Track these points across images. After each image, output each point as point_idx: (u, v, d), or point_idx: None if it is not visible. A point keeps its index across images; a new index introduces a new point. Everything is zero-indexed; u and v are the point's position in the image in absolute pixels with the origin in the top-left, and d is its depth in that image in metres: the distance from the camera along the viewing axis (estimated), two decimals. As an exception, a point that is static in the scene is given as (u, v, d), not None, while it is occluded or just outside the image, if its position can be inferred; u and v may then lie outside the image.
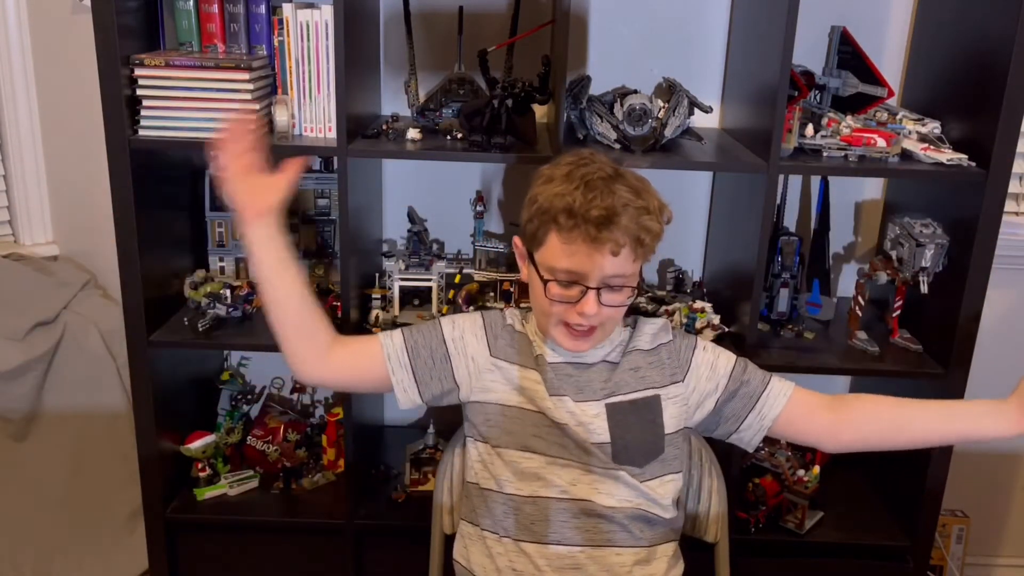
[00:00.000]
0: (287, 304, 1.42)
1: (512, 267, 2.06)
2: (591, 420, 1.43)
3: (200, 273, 2.02)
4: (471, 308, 2.00)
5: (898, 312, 1.97)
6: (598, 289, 1.35)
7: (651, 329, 1.53)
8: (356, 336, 1.50)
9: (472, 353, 1.49)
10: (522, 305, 2.01)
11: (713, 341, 1.90)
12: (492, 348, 1.49)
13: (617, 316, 1.43)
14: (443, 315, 1.56)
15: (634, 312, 1.70)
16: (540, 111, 2.00)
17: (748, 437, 1.51)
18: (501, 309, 1.56)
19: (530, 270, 1.43)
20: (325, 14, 1.80)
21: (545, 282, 1.38)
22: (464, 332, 1.50)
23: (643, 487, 1.43)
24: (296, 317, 1.43)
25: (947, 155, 1.78)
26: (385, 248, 2.22)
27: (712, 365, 1.51)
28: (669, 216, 1.41)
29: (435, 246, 2.18)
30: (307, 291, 1.43)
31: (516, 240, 1.47)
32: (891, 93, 1.92)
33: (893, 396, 1.49)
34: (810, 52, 1.96)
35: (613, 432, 1.43)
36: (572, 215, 1.32)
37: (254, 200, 1.37)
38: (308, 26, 1.82)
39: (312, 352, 1.46)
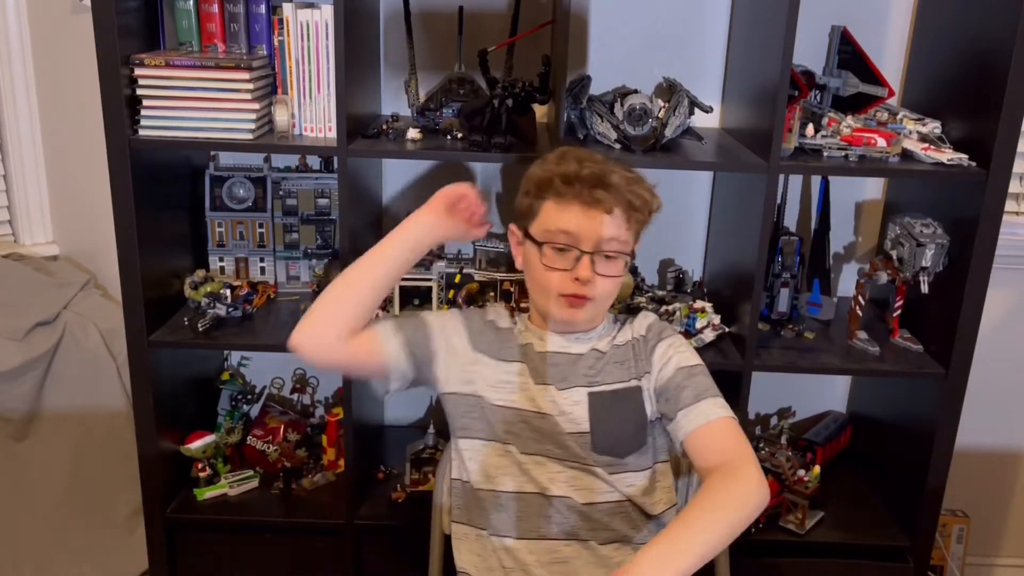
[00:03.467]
0: (370, 289, 1.46)
1: (512, 267, 2.06)
2: (572, 408, 1.44)
3: (200, 273, 2.02)
4: (471, 308, 2.00)
5: (898, 312, 1.97)
6: (592, 256, 1.39)
7: (637, 323, 1.54)
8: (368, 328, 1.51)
9: (454, 343, 1.51)
10: (523, 306, 2.01)
11: (713, 341, 1.91)
12: (473, 342, 1.52)
13: (612, 289, 1.45)
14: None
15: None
16: (540, 111, 2.00)
17: (670, 433, 1.43)
18: (481, 305, 1.59)
19: (526, 248, 1.46)
20: (325, 14, 1.80)
21: (540, 247, 1.41)
22: (445, 323, 1.54)
23: (622, 482, 1.43)
24: (366, 304, 1.46)
25: (947, 155, 1.78)
26: (385, 248, 2.22)
27: (667, 358, 1.45)
28: (659, 204, 1.46)
29: (435, 246, 2.17)
30: (386, 293, 1.50)
31: (511, 227, 1.51)
32: (891, 93, 1.92)
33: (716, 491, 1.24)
34: (810, 52, 1.96)
35: (593, 421, 1.43)
36: (567, 179, 1.39)
37: (450, 208, 1.48)
38: (308, 26, 1.82)
39: (344, 333, 1.44)
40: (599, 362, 1.48)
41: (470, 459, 1.48)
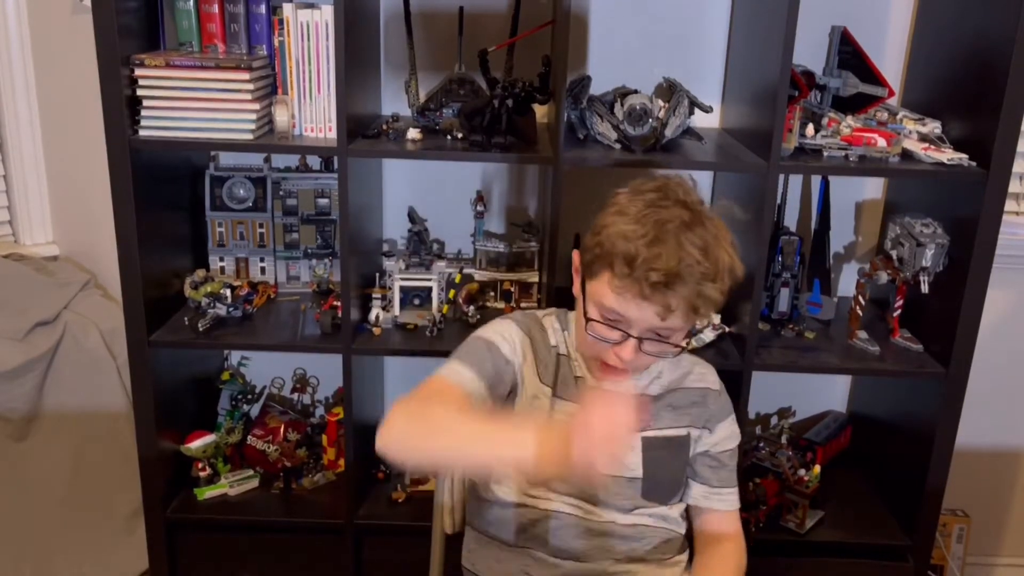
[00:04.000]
0: (447, 462, 1.27)
1: (512, 267, 2.07)
2: (625, 452, 1.31)
3: (200, 273, 2.02)
4: (471, 308, 2.00)
5: (898, 312, 1.97)
6: (640, 339, 1.29)
7: (700, 370, 1.49)
8: (442, 397, 1.28)
9: (524, 374, 1.40)
10: (523, 305, 2.01)
11: (713, 341, 1.91)
12: (541, 374, 1.40)
13: (656, 363, 1.39)
14: (483, 332, 1.42)
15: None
16: (540, 111, 2.00)
17: (696, 493, 1.48)
18: (537, 318, 1.47)
19: (579, 295, 1.36)
20: (325, 14, 1.80)
21: (588, 319, 1.32)
22: (515, 346, 1.39)
23: (659, 511, 1.43)
24: (439, 463, 1.33)
25: (947, 155, 1.78)
26: (385, 248, 2.22)
27: (729, 432, 1.49)
28: (740, 275, 1.33)
29: (435, 246, 2.18)
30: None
31: (575, 254, 1.39)
32: (891, 93, 1.92)
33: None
34: (810, 52, 1.96)
35: (646, 468, 1.40)
36: (631, 266, 1.23)
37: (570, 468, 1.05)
38: (308, 26, 1.82)
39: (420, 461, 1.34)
40: (653, 405, 1.43)
41: (501, 481, 1.42)
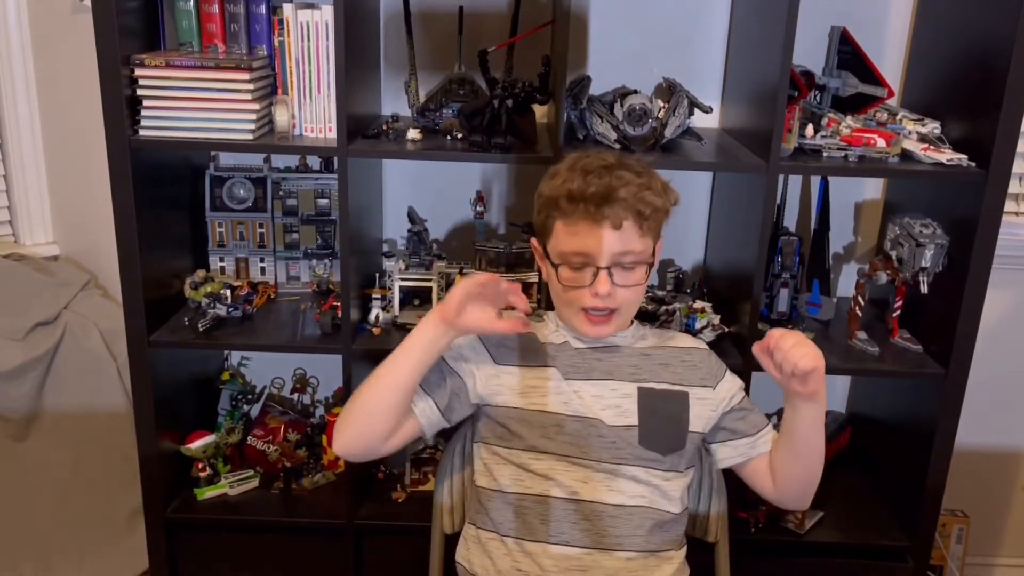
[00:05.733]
0: (399, 397, 1.40)
1: (512, 267, 2.07)
2: (620, 400, 1.45)
3: (200, 273, 2.02)
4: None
5: (898, 312, 1.97)
6: (609, 269, 1.38)
7: (686, 338, 1.60)
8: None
9: (474, 366, 1.49)
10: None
11: (713, 341, 1.91)
12: (495, 356, 1.50)
13: (635, 297, 1.46)
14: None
15: (640, 318, 1.69)
16: (540, 111, 2.00)
17: (721, 456, 1.54)
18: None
19: (545, 264, 1.47)
20: (325, 14, 1.80)
21: (556, 267, 1.42)
22: (462, 349, 1.50)
23: (656, 480, 1.44)
24: (397, 409, 1.41)
25: (947, 155, 1.78)
26: (385, 248, 2.22)
27: (739, 387, 1.55)
28: (676, 198, 1.45)
29: (435, 246, 2.18)
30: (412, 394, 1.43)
31: (532, 242, 1.52)
32: (891, 93, 1.92)
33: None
34: (810, 52, 1.96)
35: (642, 416, 1.45)
36: (572, 198, 1.37)
37: (461, 313, 1.35)
38: (308, 26, 1.82)
39: (389, 433, 1.43)
40: (645, 361, 1.50)
41: (493, 466, 1.47)
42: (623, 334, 1.52)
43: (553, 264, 1.43)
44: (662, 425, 1.46)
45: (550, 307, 1.58)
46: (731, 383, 1.54)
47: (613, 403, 1.45)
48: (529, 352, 1.49)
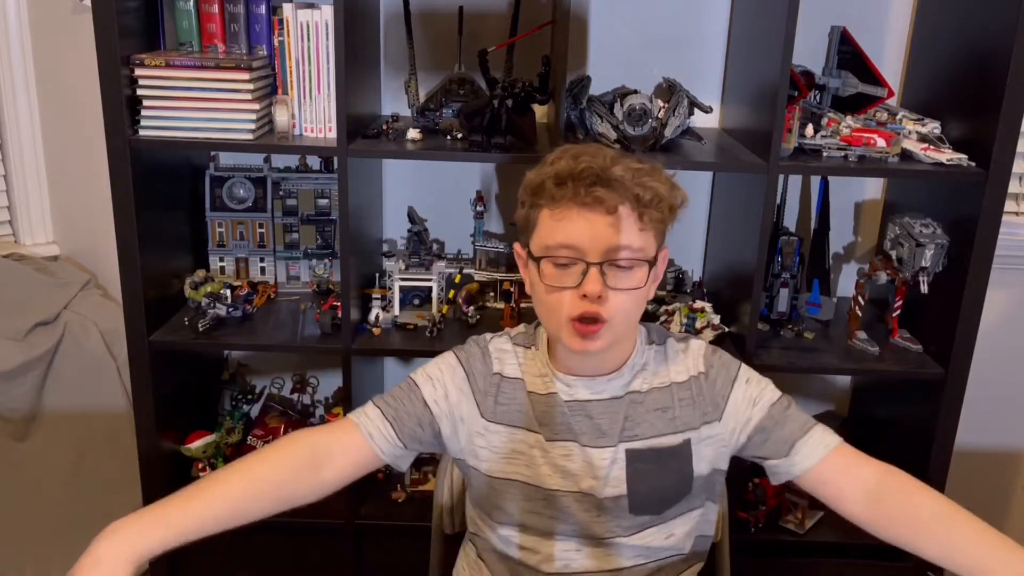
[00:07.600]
0: (256, 510, 1.26)
1: (512, 267, 2.07)
2: (606, 467, 1.26)
3: (200, 273, 2.02)
4: (471, 308, 2.00)
5: (898, 312, 1.97)
6: (601, 266, 1.15)
7: (685, 357, 1.33)
8: (333, 435, 1.29)
9: (460, 414, 1.30)
10: (523, 305, 2.01)
11: (713, 341, 1.91)
12: (482, 408, 1.30)
13: (631, 307, 1.21)
14: (421, 369, 1.35)
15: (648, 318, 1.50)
16: (540, 111, 2.00)
17: (773, 470, 1.30)
18: (485, 343, 1.35)
19: (529, 269, 1.24)
20: (325, 14, 1.80)
21: (539, 263, 1.19)
22: (447, 389, 1.30)
23: (659, 540, 1.30)
24: (269, 504, 1.25)
25: (947, 155, 1.78)
26: (385, 248, 2.22)
27: (753, 400, 1.29)
28: (683, 197, 1.23)
29: (435, 246, 2.18)
30: (251, 490, 1.25)
31: (515, 247, 1.30)
32: (891, 93, 1.92)
33: (946, 502, 1.28)
34: (810, 52, 1.96)
35: (631, 483, 1.26)
36: (560, 179, 1.16)
37: None
38: (308, 26, 1.82)
39: (308, 494, 1.29)
40: (637, 408, 1.28)
41: (480, 526, 1.37)
42: (620, 374, 1.28)
43: (535, 259, 1.20)
44: (658, 485, 1.27)
45: (526, 310, 1.47)
46: (741, 403, 1.29)
47: (603, 472, 1.26)
48: (515, 406, 1.30)
